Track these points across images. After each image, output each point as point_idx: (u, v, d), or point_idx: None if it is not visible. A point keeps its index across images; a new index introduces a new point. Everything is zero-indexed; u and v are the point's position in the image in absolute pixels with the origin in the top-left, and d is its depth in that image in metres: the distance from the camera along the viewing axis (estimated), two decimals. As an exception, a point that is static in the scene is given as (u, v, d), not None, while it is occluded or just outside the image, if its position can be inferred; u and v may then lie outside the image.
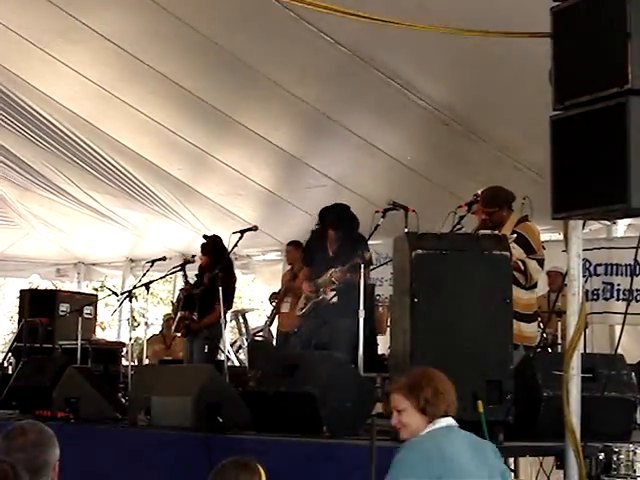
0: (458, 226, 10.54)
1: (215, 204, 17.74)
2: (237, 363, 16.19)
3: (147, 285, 14.05)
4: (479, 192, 10.83)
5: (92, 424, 11.42)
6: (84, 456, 9.63)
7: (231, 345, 16.90)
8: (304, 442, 9.24)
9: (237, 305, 18.33)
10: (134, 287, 14.44)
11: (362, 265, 11.11)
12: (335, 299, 11.94)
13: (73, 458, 8.42)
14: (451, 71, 11.78)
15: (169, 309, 16.65)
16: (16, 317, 17.67)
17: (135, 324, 16.68)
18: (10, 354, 16.47)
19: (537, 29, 7.51)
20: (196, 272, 14.43)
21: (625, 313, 10.02)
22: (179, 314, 14.23)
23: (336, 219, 12.31)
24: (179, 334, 14.57)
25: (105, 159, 17.47)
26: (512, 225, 10.49)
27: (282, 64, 13.12)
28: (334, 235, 12.27)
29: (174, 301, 15.76)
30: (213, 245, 13.93)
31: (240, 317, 17.49)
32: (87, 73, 14.98)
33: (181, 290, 14.92)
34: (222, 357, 13.47)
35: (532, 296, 10.73)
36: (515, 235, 10.08)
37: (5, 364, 16.23)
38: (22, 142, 17.86)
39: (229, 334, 16.91)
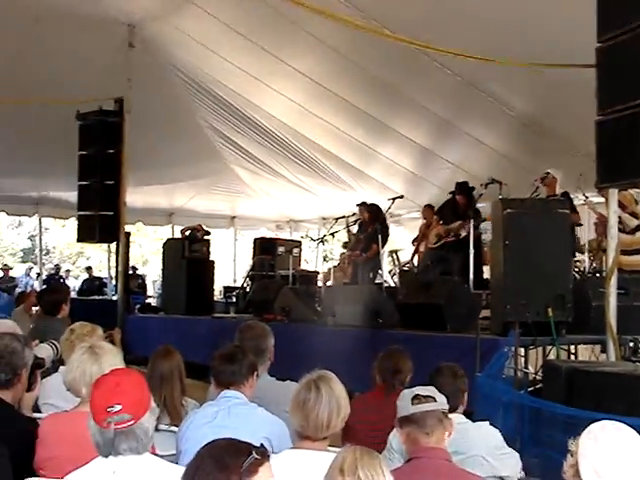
0: (535, 193, 10.39)
1: (377, 181, 17.75)
2: (392, 284, 16.18)
3: (332, 234, 14.18)
4: (548, 170, 10.65)
5: (298, 324, 11.65)
6: (293, 344, 9.81)
7: (389, 272, 16.93)
8: (434, 335, 9.35)
9: (393, 246, 18.30)
10: (324, 235, 14.53)
11: (472, 219, 11.09)
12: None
13: (285, 345, 8.60)
14: (532, 89, 11.54)
15: (344, 250, 16.70)
16: (251, 255, 17.91)
17: (327, 259, 16.74)
18: (248, 279, 16.81)
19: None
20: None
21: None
22: (347, 253, 14.38)
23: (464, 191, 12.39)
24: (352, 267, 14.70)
25: (306, 153, 17.63)
26: None
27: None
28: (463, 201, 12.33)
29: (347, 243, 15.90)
30: (372, 208, 13.94)
31: (394, 254, 17.48)
32: (292, 97, 15.14)
33: (350, 236, 15.13)
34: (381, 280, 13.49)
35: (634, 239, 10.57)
36: None
37: (245, 285, 16.55)
38: (254, 143, 18.13)
39: (388, 265, 16.93)
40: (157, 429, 4.71)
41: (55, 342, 5.25)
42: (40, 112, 14.15)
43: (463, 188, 12.50)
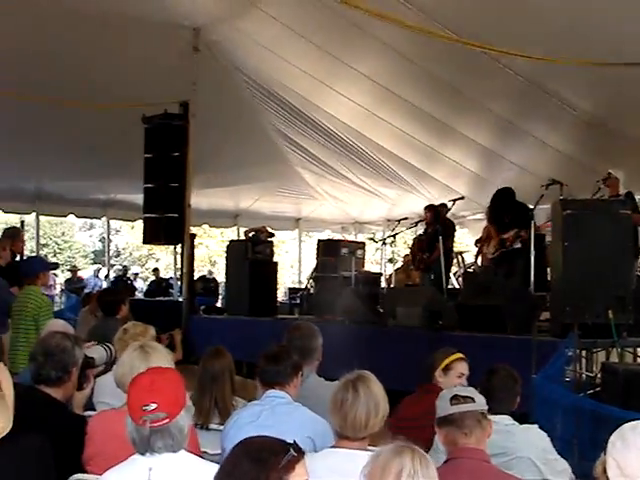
0: (599, 194, 10.22)
1: (441, 183, 17.66)
2: (457, 286, 16.10)
3: (394, 236, 14.13)
4: (609, 171, 10.46)
5: (359, 325, 11.64)
6: (352, 345, 9.82)
7: (454, 274, 16.84)
8: (493, 337, 9.31)
9: (458, 248, 18.21)
10: (387, 237, 14.52)
11: (533, 222, 10.90)
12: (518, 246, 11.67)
13: (344, 346, 8.61)
14: (595, 88, 11.36)
15: (408, 251, 16.64)
16: (315, 256, 17.95)
17: (394, 261, 16.67)
18: (311, 280, 16.86)
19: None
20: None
21: None
22: (417, 257, 14.31)
23: (501, 201, 12.05)
24: (418, 269, 14.63)
25: (370, 155, 17.60)
26: None
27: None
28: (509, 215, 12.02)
29: (411, 246, 15.83)
30: (431, 209, 13.89)
31: (459, 256, 17.41)
32: (356, 100, 15.14)
33: (414, 238, 15.05)
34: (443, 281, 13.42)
35: None
36: None
37: (309, 287, 16.60)
38: (318, 146, 18.18)
39: (454, 267, 16.82)
40: (207, 428, 4.79)
41: (110, 345, 5.34)
42: (107, 116, 14.39)
43: (502, 199, 11.98)
